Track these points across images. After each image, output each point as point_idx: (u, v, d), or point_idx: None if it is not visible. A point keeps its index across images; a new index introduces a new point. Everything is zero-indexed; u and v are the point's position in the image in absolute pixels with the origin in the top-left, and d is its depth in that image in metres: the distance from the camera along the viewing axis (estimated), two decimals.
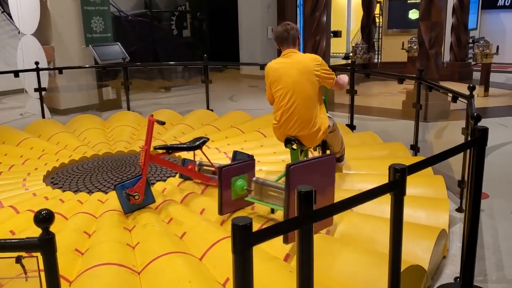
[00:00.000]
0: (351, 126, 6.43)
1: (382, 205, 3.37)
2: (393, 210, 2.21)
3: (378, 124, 6.96)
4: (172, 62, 10.38)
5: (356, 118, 6.52)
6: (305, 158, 4.01)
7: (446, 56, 11.96)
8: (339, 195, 3.75)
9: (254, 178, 3.48)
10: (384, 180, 2.22)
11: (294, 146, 3.90)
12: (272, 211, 3.55)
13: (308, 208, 1.80)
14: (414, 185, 3.76)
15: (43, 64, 7.86)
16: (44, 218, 1.70)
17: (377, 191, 2.12)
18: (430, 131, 6.88)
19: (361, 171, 4.59)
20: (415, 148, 5.35)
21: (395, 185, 2.15)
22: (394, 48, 11.89)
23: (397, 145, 5.32)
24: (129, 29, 11.98)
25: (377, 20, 13.12)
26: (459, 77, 11.10)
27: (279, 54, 4.09)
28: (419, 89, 5.35)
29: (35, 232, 3.20)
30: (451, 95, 4.56)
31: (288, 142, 3.89)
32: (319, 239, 2.93)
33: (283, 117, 3.82)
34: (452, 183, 4.37)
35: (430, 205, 3.67)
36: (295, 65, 3.80)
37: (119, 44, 9.04)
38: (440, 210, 3.57)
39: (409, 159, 4.87)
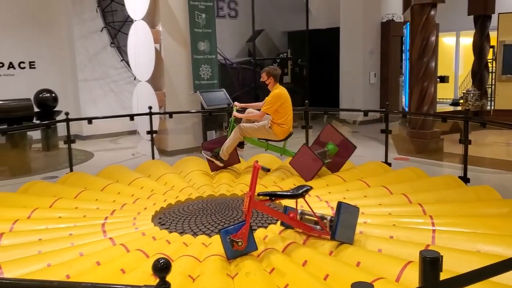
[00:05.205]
0: (465, 179, 5.97)
1: None
2: None
3: (494, 177, 6.39)
4: None
5: (469, 169, 6.06)
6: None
7: None
8: (456, 256, 3.45)
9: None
10: (508, 241, 1.97)
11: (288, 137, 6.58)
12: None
13: (435, 278, 1.63)
14: None
15: (155, 108, 8.42)
16: (162, 268, 1.73)
17: None
18: None
19: (477, 229, 4.19)
20: None
21: None
22: (509, 95, 11.06)
23: None
24: (234, 76, 12.50)
25: (489, 65, 12.35)
26: None
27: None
28: None
29: (144, 272, 3.27)
30: None
31: (288, 135, 6.53)
32: None
33: (290, 121, 6.43)
34: None
35: None
36: (286, 92, 6.39)
37: (224, 90, 9.45)
38: None
39: None
